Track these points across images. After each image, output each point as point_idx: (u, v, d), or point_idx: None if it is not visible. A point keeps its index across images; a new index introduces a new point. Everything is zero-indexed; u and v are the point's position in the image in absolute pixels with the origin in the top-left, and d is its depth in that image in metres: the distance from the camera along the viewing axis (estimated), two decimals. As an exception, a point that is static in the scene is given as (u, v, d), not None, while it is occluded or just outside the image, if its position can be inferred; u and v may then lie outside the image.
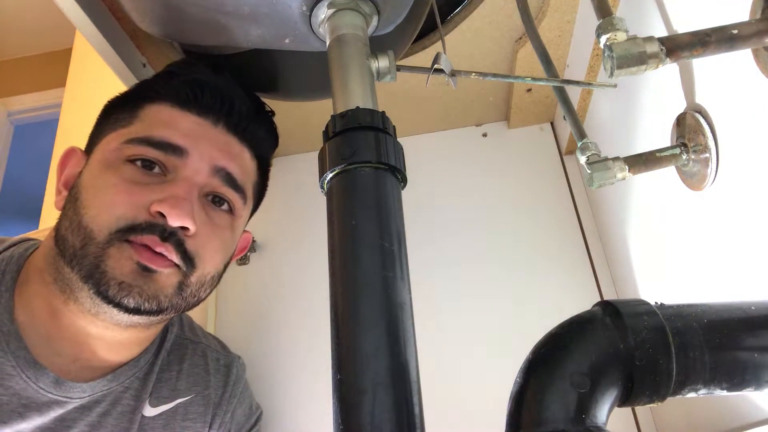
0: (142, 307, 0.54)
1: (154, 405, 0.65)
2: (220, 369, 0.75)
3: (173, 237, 0.55)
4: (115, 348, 0.61)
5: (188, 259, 0.56)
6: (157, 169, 0.57)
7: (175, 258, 0.55)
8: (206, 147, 0.58)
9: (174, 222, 0.54)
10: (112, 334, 0.58)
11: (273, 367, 0.94)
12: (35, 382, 0.54)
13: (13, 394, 0.53)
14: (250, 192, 0.65)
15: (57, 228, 0.57)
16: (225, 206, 0.62)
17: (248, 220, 0.68)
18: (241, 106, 0.62)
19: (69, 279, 0.54)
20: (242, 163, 0.63)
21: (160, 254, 0.54)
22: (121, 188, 0.54)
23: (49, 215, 1.34)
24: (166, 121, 0.58)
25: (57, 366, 0.57)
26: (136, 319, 0.56)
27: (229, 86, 0.62)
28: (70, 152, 0.62)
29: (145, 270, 0.53)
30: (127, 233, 0.53)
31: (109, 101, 0.64)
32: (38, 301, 0.57)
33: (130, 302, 0.53)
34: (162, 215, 0.54)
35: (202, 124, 0.59)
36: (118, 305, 0.53)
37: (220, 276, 0.64)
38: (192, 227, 0.55)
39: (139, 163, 0.56)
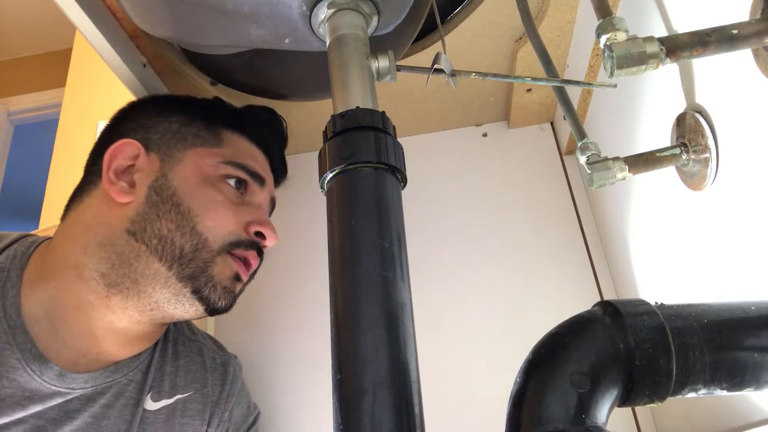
0: (227, 307, 0.64)
1: (155, 399, 0.66)
2: (216, 368, 0.75)
3: (262, 253, 0.67)
4: (132, 341, 0.63)
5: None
6: (242, 191, 0.67)
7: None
8: (269, 180, 0.73)
9: (270, 243, 0.67)
10: (138, 329, 0.62)
11: (272, 367, 0.94)
12: (39, 375, 0.56)
13: (18, 387, 0.55)
14: None
15: (145, 226, 0.60)
16: None
17: None
18: (281, 152, 0.78)
19: (150, 274, 0.59)
20: None
21: (249, 265, 0.66)
22: (227, 206, 0.64)
23: (49, 215, 1.33)
24: (248, 152, 0.70)
25: (65, 359, 0.58)
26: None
27: (283, 136, 0.80)
28: (125, 144, 0.64)
29: (237, 279, 0.64)
30: (232, 246, 0.63)
31: (176, 102, 0.71)
32: (65, 295, 0.59)
33: (223, 303, 0.63)
34: (257, 234, 0.66)
35: (266, 161, 0.73)
36: (211, 304, 0.62)
37: None
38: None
39: (241, 187, 0.67)
